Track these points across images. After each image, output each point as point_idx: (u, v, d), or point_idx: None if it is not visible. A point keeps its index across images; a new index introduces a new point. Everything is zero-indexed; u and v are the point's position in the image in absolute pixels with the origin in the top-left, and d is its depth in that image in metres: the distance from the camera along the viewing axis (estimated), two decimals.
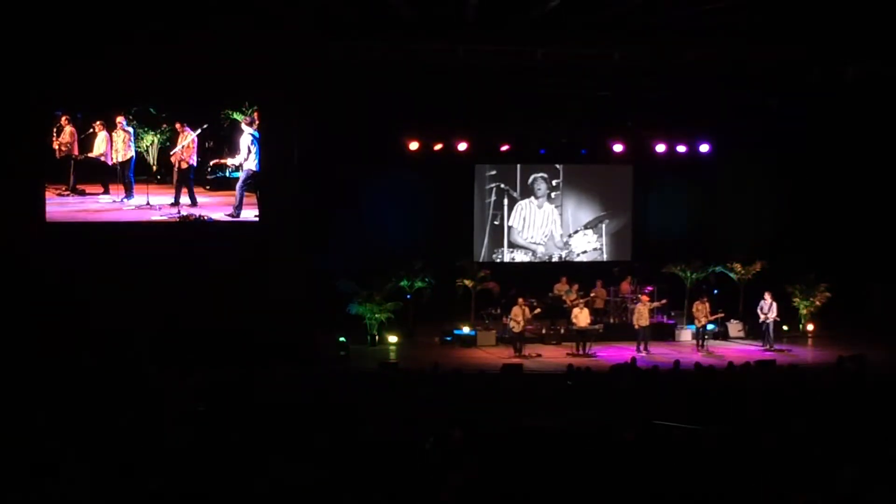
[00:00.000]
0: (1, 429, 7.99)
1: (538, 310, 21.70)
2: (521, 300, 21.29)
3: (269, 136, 20.63)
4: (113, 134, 20.34)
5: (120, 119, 20.29)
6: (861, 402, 12.28)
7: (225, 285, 19.63)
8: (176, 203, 20.52)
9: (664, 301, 22.79)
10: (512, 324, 21.22)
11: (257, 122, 20.40)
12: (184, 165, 20.53)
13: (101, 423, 8.70)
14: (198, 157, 20.58)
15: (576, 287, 23.11)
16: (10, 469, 4.62)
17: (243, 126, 20.43)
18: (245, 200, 20.63)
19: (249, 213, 20.64)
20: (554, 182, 25.55)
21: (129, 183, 20.48)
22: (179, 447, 8.20)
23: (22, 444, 6.73)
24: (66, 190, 20.32)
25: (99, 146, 20.31)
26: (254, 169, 20.54)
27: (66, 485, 4.12)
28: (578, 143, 24.84)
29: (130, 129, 20.36)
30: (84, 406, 9.97)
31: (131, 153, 20.42)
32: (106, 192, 20.48)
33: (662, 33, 19.73)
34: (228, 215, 20.58)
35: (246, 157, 20.51)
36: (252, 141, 20.45)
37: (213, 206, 20.66)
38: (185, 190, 20.54)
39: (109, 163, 20.38)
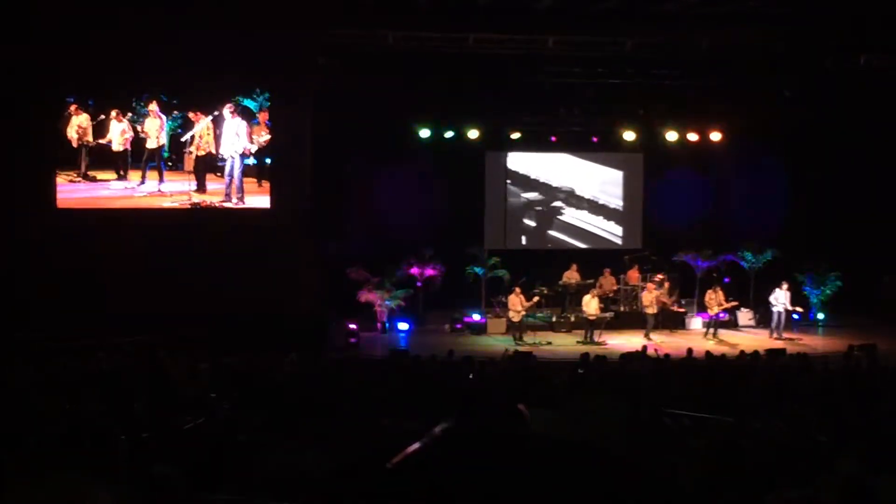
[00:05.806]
0: (6, 416, 8.03)
1: (535, 298, 21.71)
2: (517, 289, 21.31)
3: (280, 123, 20.66)
4: (147, 120, 20.39)
5: (153, 107, 20.33)
6: (871, 392, 12.25)
7: (236, 273, 19.70)
8: (200, 189, 20.75)
9: (662, 296, 22.64)
10: (511, 313, 21.24)
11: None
12: (201, 153, 20.59)
13: (112, 409, 8.75)
14: (215, 143, 20.63)
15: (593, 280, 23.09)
16: (12, 460, 4.64)
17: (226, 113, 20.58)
18: (256, 189, 20.80)
19: (261, 201, 20.77)
20: (563, 169, 25.53)
21: (160, 170, 20.55)
22: (189, 433, 8.25)
23: (28, 432, 6.76)
24: (78, 176, 20.40)
25: (112, 133, 20.36)
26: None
27: (71, 474, 4.16)
28: (589, 131, 24.81)
29: (164, 117, 20.40)
30: (94, 393, 10.02)
31: (164, 140, 20.48)
32: (118, 178, 20.54)
33: (674, 21, 19.66)
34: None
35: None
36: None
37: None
38: (209, 176, 20.73)
39: (123, 149, 20.44)
